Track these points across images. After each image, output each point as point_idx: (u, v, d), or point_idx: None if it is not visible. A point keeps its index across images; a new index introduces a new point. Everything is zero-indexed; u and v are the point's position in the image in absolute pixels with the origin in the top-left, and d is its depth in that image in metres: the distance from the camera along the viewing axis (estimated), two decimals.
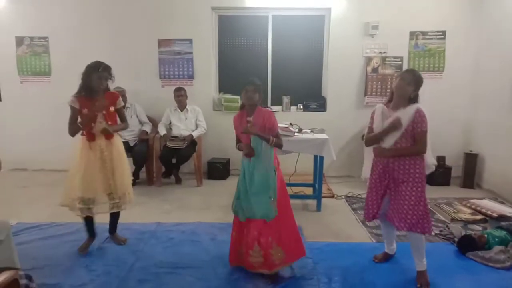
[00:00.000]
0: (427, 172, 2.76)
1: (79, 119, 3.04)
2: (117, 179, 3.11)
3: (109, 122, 3.07)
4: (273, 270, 2.72)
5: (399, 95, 2.71)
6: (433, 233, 3.62)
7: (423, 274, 2.76)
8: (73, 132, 3.05)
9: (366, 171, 2.97)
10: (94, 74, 2.96)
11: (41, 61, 5.63)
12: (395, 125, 2.65)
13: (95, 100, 3.00)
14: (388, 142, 2.71)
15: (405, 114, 2.63)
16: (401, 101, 2.70)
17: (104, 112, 3.03)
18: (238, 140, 2.94)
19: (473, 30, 5.29)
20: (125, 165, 3.22)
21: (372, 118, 2.89)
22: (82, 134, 3.06)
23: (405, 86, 2.66)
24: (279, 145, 2.80)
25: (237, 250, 2.88)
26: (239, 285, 2.77)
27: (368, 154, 2.95)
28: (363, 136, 3.30)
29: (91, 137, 3.03)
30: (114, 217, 3.37)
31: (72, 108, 3.01)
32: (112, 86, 3.22)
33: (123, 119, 3.25)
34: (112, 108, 3.10)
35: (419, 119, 2.61)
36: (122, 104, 3.22)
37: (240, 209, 2.84)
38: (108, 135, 3.07)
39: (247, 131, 2.71)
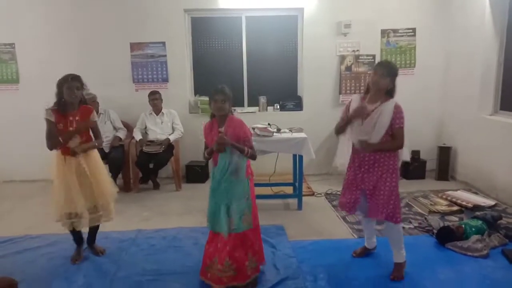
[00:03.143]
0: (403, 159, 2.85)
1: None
2: (98, 191, 3.03)
3: (84, 138, 2.99)
4: (245, 281, 2.68)
5: (376, 89, 2.71)
6: (412, 226, 3.72)
7: (400, 267, 2.80)
8: (52, 146, 2.94)
9: (340, 157, 2.99)
10: (64, 86, 2.87)
11: (8, 68, 5.42)
12: (358, 112, 2.69)
13: (70, 115, 2.93)
14: (375, 138, 2.69)
15: (384, 110, 2.65)
16: (378, 95, 2.72)
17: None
18: (206, 148, 2.77)
19: (441, 27, 5.44)
20: (104, 176, 3.15)
21: (346, 108, 2.88)
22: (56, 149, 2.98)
23: (381, 80, 2.66)
24: (253, 156, 2.70)
25: (206, 264, 2.77)
26: None
27: (343, 143, 2.96)
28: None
29: (66, 151, 2.94)
30: (93, 229, 3.26)
31: (48, 121, 2.90)
32: (84, 94, 3.10)
33: (97, 135, 3.13)
34: (88, 124, 3.03)
35: (397, 115, 2.64)
36: (96, 119, 3.12)
37: (217, 224, 2.70)
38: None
39: (221, 142, 2.56)
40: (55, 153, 2.98)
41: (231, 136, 2.61)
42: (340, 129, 2.86)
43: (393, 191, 2.71)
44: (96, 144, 3.12)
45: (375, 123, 2.66)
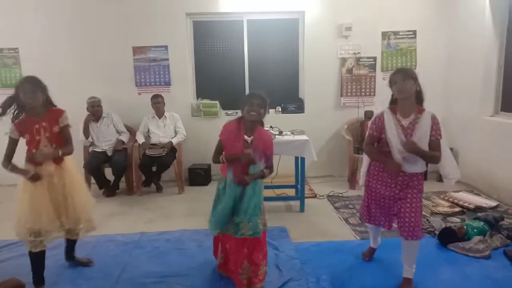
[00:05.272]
0: (452, 180, 2.73)
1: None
2: (73, 206, 2.78)
3: (54, 145, 2.71)
4: (256, 285, 2.67)
5: (405, 98, 2.53)
6: None
7: (409, 282, 2.71)
8: (6, 166, 2.67)
9: (363, 179, 2.88)
10: (19, 91, 2.61)
11: (12, 73, 5.46)
12: (392, 170, 2.56)
13: (35, 122, 2.67)
14: (413, 168, 2.58)
15: (423, 125, 2.52)
16: (408, 105, 2.56)
17: (47, 135, 2.69)
18: (220, 152, 2.64)
19: (442, 28, 5.46)
20: (81, 190, 2.89)
21: (374, 124, 2.68)
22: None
23: (405, 86, 2.50)
24: (271, 174, 2.67)
25: (227, 260, 2.79)
26: None
27: (366, 164, 2.86)
28: (360, 143, 3.08)
29: (36, 162, 2.66)
30: (70, 243, 3.09)
31: (10, 139, 2.68)
32: (43, 98, 2.72)
33: (67, 141, 2.79)
34: (56, 128, 2.73)
35: (434, 126, 2.51)
36: (67, 122, 2.80)
37: (230, 224, 2.61)
38: (56, 159, 2.73)
39: (250, 162, 2.49)
40: (24, 162, 2.72)
41: (259, 151, 2.54)
42: (373, 157, 2.74)
43: (418, 210, 2.62)
44: (64, 152, 2.75)
45: (419, 140, 2.50)
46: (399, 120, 2.58)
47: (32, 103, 2.63)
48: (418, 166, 2.59)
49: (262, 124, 2.67)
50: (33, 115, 2.68)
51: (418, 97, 2.59)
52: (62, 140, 2.77)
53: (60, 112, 2.78)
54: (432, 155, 2.53)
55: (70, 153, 2.81)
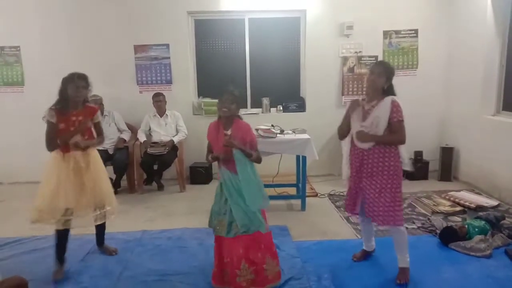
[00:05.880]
0: (404, 167, 2.77)
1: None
2: (97, 190, 2.97)
3: (86, 137, 2.95)
4: (265, 286, 2.62)
5: (372, 89, 2.74)
6: (415, 226, 3.74)
7: (405, 271, 2.77)
8: (52, 148, 2.89)
9: (345, 171, 2.96)
10: (69, 85, 2.85)
11: (13, 71, 5.46)
12: (352, 106, 2.76)
13: (73, 115, 2.89)
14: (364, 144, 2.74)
15: (382, 106, 2.67)
16: (374, 94, 2.73)
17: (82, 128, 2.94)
18: (210, 151, 2.78)
19: (444, 28, 5.46)
20: (104, 176, 3.10)
21: (347, 111, 2.88)
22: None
23: (375, 79, 2.69)
24: (258, 160, 2.68)
25: (221, 269, 2.70)
26: None
27: (346, 155, 2.94)
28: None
29: (65, 149, 2.88)
30: (100, 229, 3.27)
31: (48, 122, 2.85)
32: (89, 95, 3.08)
33: (99, 133, 3.11)
34: (89, 123, 2.99)
35: (394, 109, 2.63)
36: (100, 119, 3.13)
37: (222, 226, 2.64)
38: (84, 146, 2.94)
39: (229, 144, 2.55)
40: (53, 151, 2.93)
41: (238, 139, 2.59)
42: (341, 130, 2.91)
43: (396, 197, 2.70)
44: (98, 142, 3.09)
45: (374, 120, 2.67)
46: (363, 105, 2.78)
47: (78, 98, 2.89)
48: (367, 143, 2.74)
49: (239, 118, 2.75)
50: (72, 108, 2.91)
51: (386, 93, 2.71)
52: (92, 133, 3.04)
53: (95, 110, 3.06)
54: (387, 139, 2.69)
55: (102, 143, 3.25)
